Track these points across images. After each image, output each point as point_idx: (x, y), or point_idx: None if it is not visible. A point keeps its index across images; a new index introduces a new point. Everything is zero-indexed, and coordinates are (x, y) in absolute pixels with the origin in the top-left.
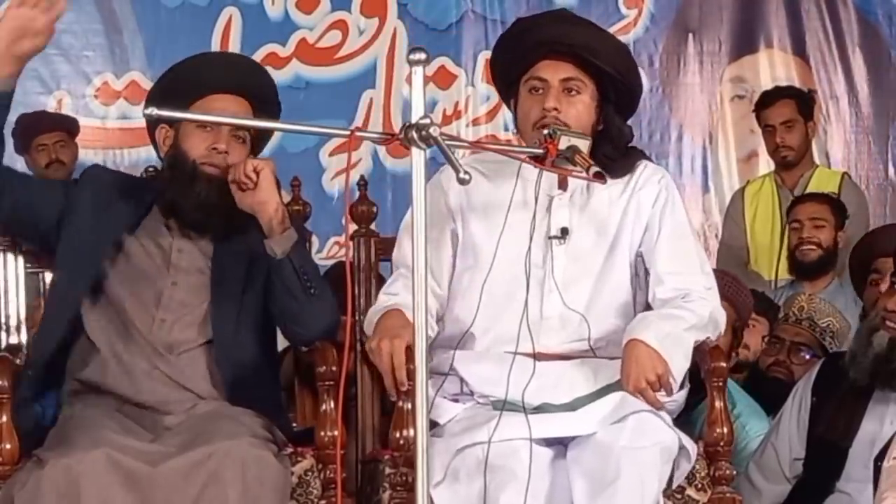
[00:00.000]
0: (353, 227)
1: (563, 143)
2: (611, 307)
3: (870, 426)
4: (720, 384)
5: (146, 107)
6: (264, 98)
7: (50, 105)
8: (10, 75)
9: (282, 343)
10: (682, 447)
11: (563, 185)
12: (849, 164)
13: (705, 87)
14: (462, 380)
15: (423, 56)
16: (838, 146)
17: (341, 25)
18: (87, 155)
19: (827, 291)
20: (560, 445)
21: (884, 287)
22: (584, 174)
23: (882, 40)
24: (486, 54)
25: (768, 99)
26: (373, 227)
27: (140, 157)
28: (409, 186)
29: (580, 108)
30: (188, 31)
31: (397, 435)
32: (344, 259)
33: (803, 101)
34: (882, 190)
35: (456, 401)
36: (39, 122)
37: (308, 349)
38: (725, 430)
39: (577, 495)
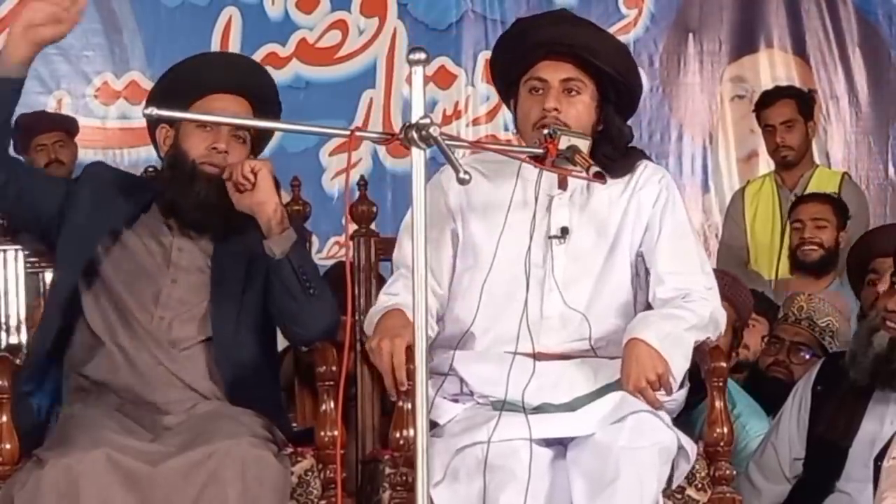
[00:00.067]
0: (353, 227)
1: (563, 143)
2: (611, 307)
3: (870, 426)
4: (720, 384)
5: (146, 107)
6: (264, 98)
7: (50, 105)
8: (23, 61)
9: (282, 343)
10: (681, 447)
11: (563, 184)
12: (849, 164)
13: (705, 87)
14: (462, 380)
15: (423, 56)
16: (838, 146)
17: (341, 25)
18: (87, 155)
19: (827, 292)
20: (560, 446)
21: (881, 287)
22: (584, 174)
23: (882, 40)
24: (486, 54)
25: (768, 99)
26: (373, 227)
27: (140, 157)
28: (409, 186)
29: (580, 109)
30: (188, 31)
31: (397, 435)
32: (344, 259)
33: (803, 101)
34: (882, 190)
35: (456, 401)
36: (38, 122)
37: (308, 349)
38: (725, 430)
39: (576, 495)
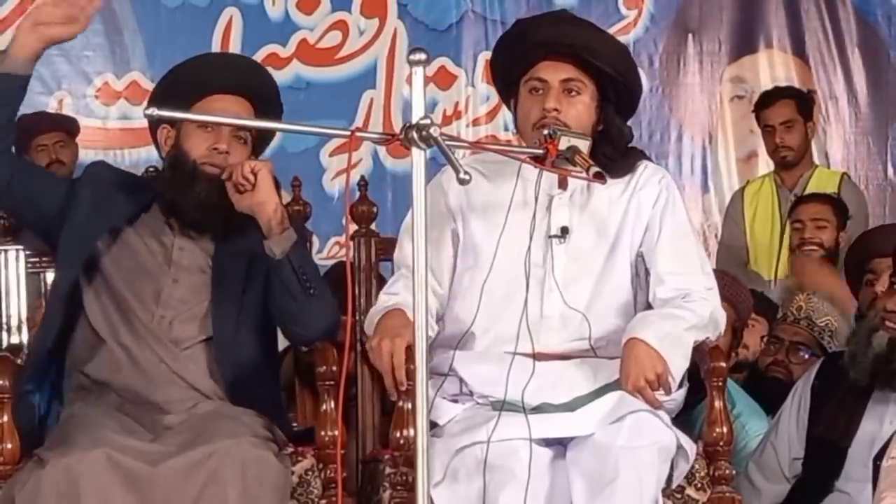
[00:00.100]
0: (353, 227)
1: (563, 143)
2: (611, 307)
3: (869, 426)
4: (720, 384)
5: (147, 107)
6: (266, 99)
7: (51, 105)
8: (31, 58)
9: (282, 343)
10: (680, 447)
11: (563, 184)
12: (848, 164)
13: (705, 87)
14: (461, 380)
15: (423, 56)
16: (838, 146)
17: (341, 26)
18: (88, 155)
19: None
20: (559, 445)
21: (879, 287)
22: (584, 174)
23: (882, 40)
24: (486, 54)
25: (768, 99)
26: (373, 227)
27: (140, 157)
28: (409, 186)
29: (580, 109)
30: (188, 32)
31: (397, 435)
32: (344, 259)
33: (803, 102)
34: (881, 190)
35: (455, 401)
36: (39, 122)
37: (308, 349)
38: (725, 429)
39: (576, 495)
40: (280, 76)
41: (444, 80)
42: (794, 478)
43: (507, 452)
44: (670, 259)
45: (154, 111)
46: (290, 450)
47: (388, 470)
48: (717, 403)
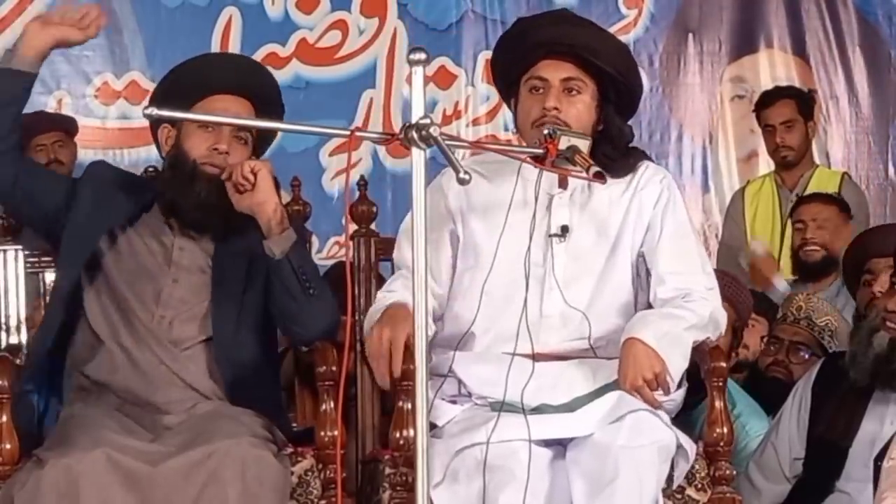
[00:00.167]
0: (353, 227)
1: (563, 143)
2: (612, 307)
3: (870, 426)
4: (720, 384)
5: (147, 107)
6: (267, 99)
7: (50, 105)
8: (38, 56)
9: (282, 343)
10: (680, 446)
11: (563, 183)
12: (849, 164)
13: (705, 87)
14: (460, 381)
15: (423, 56)
16: (838, 146)
17: (341, 25)
18: (87, 155)
19: (828, 292)
20: (559, 446)
21: (877, 287)
22: (584, 174)
23: (882, 40)
24: (486, 54)
25: (768, 99)
26: (373, 227)
27: (140, 157)
28: (409, 186)
29: (580, 108)
30: (188, 31)
31: (397, 435)
32: (344, 259)
33: (803, 101)
34: (882, 190)
35: (454, 402)
36: (37, 122)
37: (308, 349)
38: (725, 430)
39: (576, 496)
40: (280, 76)
41: (444, 79)
42: (795, 478)
43: (506, 453)
44: (671, 259)
45: (153, 111)
46: (290, 450)
47: (387, 470)
48: (718, 404)
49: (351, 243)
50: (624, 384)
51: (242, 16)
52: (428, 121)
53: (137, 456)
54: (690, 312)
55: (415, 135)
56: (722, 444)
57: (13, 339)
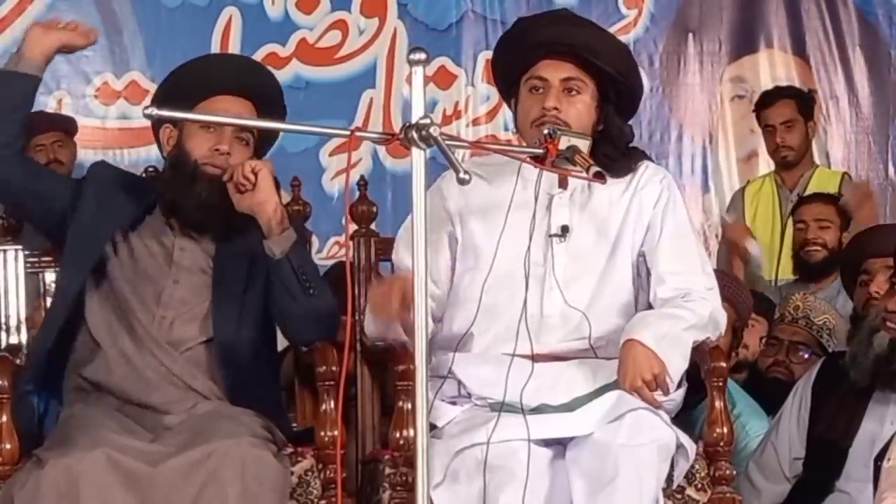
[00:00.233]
0: (353, 227)
1: (563, 142)
2: (612, 307)
3: (870, 426)
4: (720, 384)
5: (147, 107)
6: (268, 100)
7: (50, 105)
8: (43, 59)
9: (282, 343)
10: (680, 445)
11: (563, 183)
12: (849, 164)
13: (705, 87)
14: (460, 382)
15: (423, 56)
16: (838, 146)
17: (341, 25)
18: (87, 155)
19: (829, 292)
20: (559, 446)
21: (874, 288)
22: (584, 174)
23: (882, 40)
24: (486, 54)
25: (768, 99)
26: (373, 227)
27: (140, 157)
28: (409, 186)
29: (580, 108)
30: (188, 31)
31: (397, 435)
32: (344, 259)
33: (803, 101)
34: (882, 189)
35: (454, 403)
36: (37, 122)
37: (308, 349)
38: (725, 430)
39: (576, 495)
40: (280, 76)
41: (444, 79)
42: (795, 478)
43: (507, 453)
44: (671, 259)
45: (153, 111)
46: (290, 450)
47: (387, 470)
48: (718, 404)
49: (351, 243)
50: (623, 385)
51: (242, 16)
52: (428, 121)
53: (137, 456)
54: (690, 312)
55: (415, 135)
56: (722, 444)
57: (13, 339)
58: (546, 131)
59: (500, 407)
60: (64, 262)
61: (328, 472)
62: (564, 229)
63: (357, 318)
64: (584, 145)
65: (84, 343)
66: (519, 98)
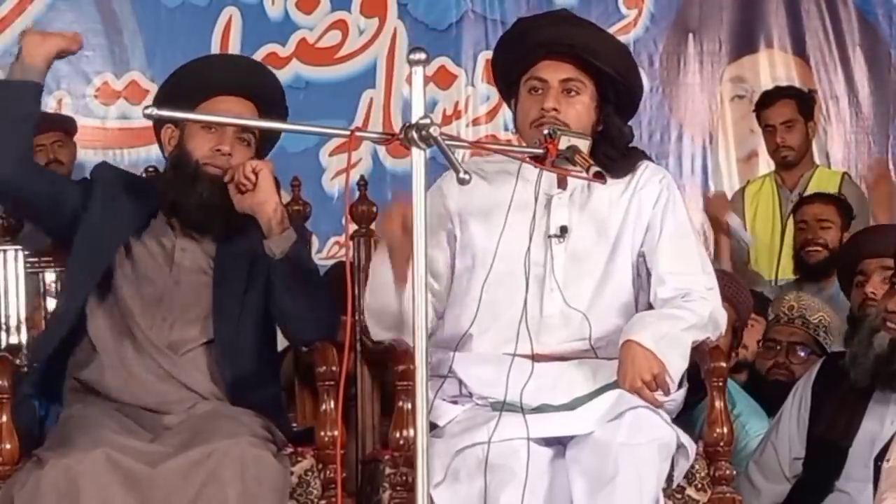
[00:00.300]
0: (353, 227)
1: (563, 142)
2: (612, 307)
3: (870, 426)
4: (720, 384)
5: (147, 107)
6: (270, 100)
7: (50, 105)
8: (44, 64)
9: (282, 343)
10: (680, 445)
11: (562, 184)
12: (849, 164)
13: (705, 87)
14: (461, 382)
15: (423, 56)
16: (838, 146)
17: (341, 25)
18: (87, 155)
19: (830, 291)
20: (559, 445)
21: (870, 288)
22: (584, 174)
23: (882, 40)
24: (486, 54)
25: (768, 99)
26: (373, 227)
27: (140, 157)
28: (409, 186)
29: (579, 109)
30: (188, 31)
31: (397, 435)
32: (344, 259)
33: (803, 101)
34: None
35: (455, 402)
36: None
37: (308, 349)
38: (725, 430)
39: (576, 494)
40: (280, 76)
41: (444, 79)
42: (795, 478)
43: (507, 452)
44: (671, 259)
45: (153, 111)
46: (290, 450)
47: (388, 470)
48: (718, 404)
49: (351, 243)
50: (623, 386)
51: (242, 16)
52: (428, 121)
53: (137, 456)
54: (690, 312)
55: (415, 135)
56: (722, 444)
57: (13, 339)
58: (546, 131)
59: (502, 406)
60: (69, 271)
61: (328, 472)
62: (563, 230)
63: (357, 318)
64: (584, 145)
65: (83, 347)
66: (518, 98)
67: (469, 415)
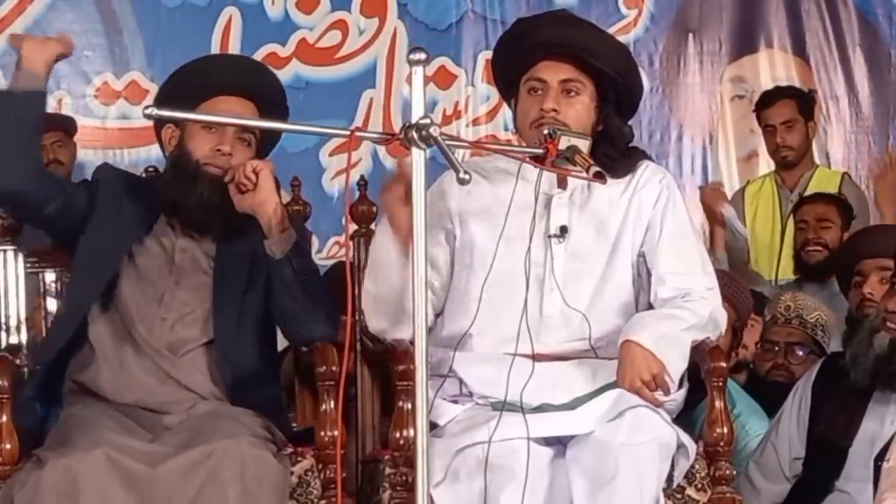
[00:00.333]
0: (353, 227)
1: (563, 142)
2: (612, 307)
3: (870, 426)
4: (720, 384)
5: (147, 106)
6: (271, 100)
7: (50, 105)
8: (47, 67)
9: (282, 343)
10: (680, 444)
11: (562, 184)
12: (849, 164)
13: (705, 87)
14: (461, 381)
15: (423, 56)
16: (838, 146)
17: (341, 25)
18: (87, 155)
19: (830, 291)
20: (560, 445)
21: (867, 289)
22: (584, 174)
23: (882, 40)
24: (486, 54)
25: (768, 99)
26: (373, 226)
27: (140, 157)
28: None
29: (579, 109)
30: (188, 31)
31: (397, 435)
32: (344, 259)
33: (803, 101)
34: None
35: (455, 402)
36: None
37: (308, 349)
38: (725, 430)
39: (576, 494)
40: (280, 76)
41: (444, 79)
42: (795, 477)
43: (508, 452)
44: (671, 259)
45: (153, 111)
46: (290, 450)
47: (388, 470)
48: (718, 403)
49: (351, 243)
50: (623, 386)
51: (242, 16)
52: (428, 121)
53: (137, 456)
54: (689, 312)
55: (415, 135)
56: (722, 444)
57: (13, 339)
58: (546, 131)
59: (502, 406)
60: (73, 278)
61: (328, 472)
62: (563, 230)
63: (357, 318)
64: (584, 145)
65: (83, 350)
66: (518, 99)
67: (469, 414)
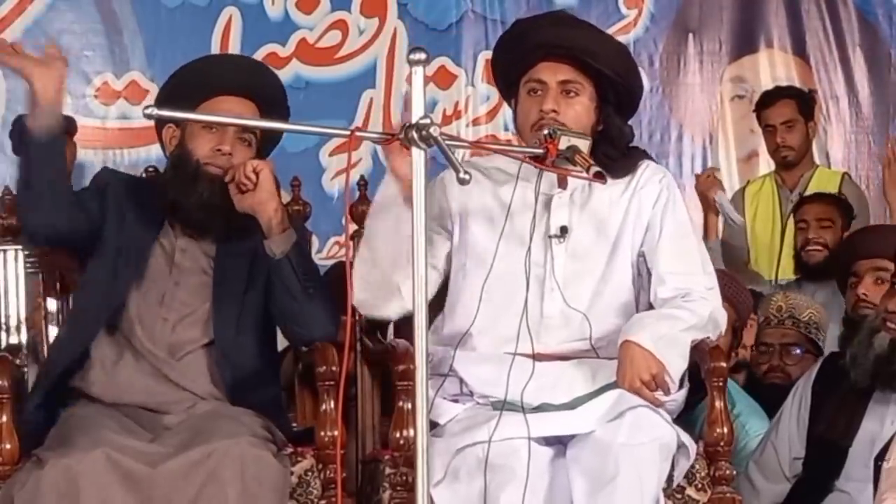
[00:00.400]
0: (353, 227)
1: (563, 142)
2: (612, 307)
3: (870, 425)
4: (720, 384)
5: (147, 106)
6: (271, 100)
7: None
8: (58, 93)
9: (282, 343)
10: (681, 444)
11: (562, 184)
12: (849, 164)
13: (705, 87)
14: (462, 380)
15: (423, 56)
16: (838, 146)
17: (341, 25)
18: (87, 155)
19: (830, 291)
20: (560, 445)
21: (862, 290)
22: (584, 174)
23: (882, 40)
24: (486, 54)
25: (769, 99)
26: None
27: (140, 157)
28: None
29: (579, 110)
30: (188, 31)
31: (397, 435)
32: (344, 259)
33: (803, 101)
34: (881, 190)
35: (456, 401)
36: None
37: (308, 349)
38: (725, 430)
39: (576, 494)
40: (280, 76)
41: (444, 79)
42: (795, 477)
43: (508, 452)
44: (671, 259)
45: (153, 111)
46: (290, 450)
47: (388, 470)
48: (718, 403)
49: (351, 243)
50: (622, 387)
51: (242, 16)
52: (428, 121)
53: (137, 456)
54: (689, 312)
55: (415, 135)
56: (722, 444)
57: (13, 339)
58: (546, 131)
59: (502, 406)
60: (80, 300)
61: (328, 472)
62: (563, 230)
63: (357, 318)
64: (584, 145)
65: (83, 356)
66: (518, 99)
67: (469, 414)
